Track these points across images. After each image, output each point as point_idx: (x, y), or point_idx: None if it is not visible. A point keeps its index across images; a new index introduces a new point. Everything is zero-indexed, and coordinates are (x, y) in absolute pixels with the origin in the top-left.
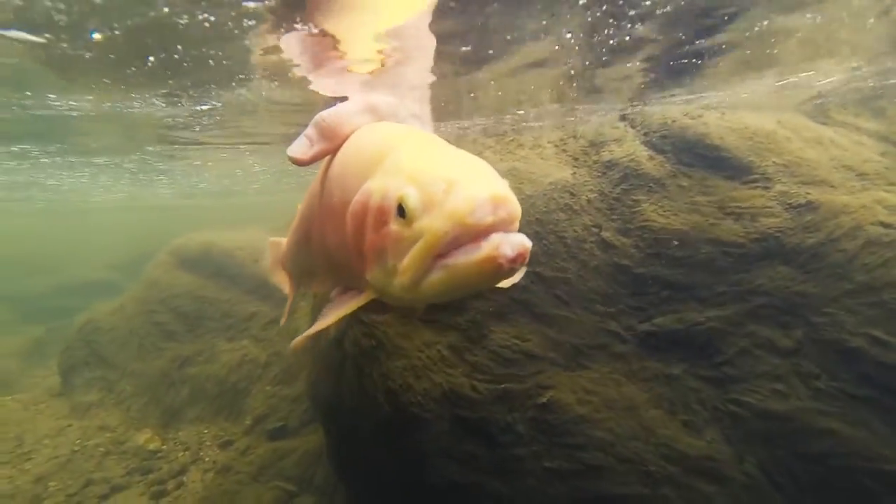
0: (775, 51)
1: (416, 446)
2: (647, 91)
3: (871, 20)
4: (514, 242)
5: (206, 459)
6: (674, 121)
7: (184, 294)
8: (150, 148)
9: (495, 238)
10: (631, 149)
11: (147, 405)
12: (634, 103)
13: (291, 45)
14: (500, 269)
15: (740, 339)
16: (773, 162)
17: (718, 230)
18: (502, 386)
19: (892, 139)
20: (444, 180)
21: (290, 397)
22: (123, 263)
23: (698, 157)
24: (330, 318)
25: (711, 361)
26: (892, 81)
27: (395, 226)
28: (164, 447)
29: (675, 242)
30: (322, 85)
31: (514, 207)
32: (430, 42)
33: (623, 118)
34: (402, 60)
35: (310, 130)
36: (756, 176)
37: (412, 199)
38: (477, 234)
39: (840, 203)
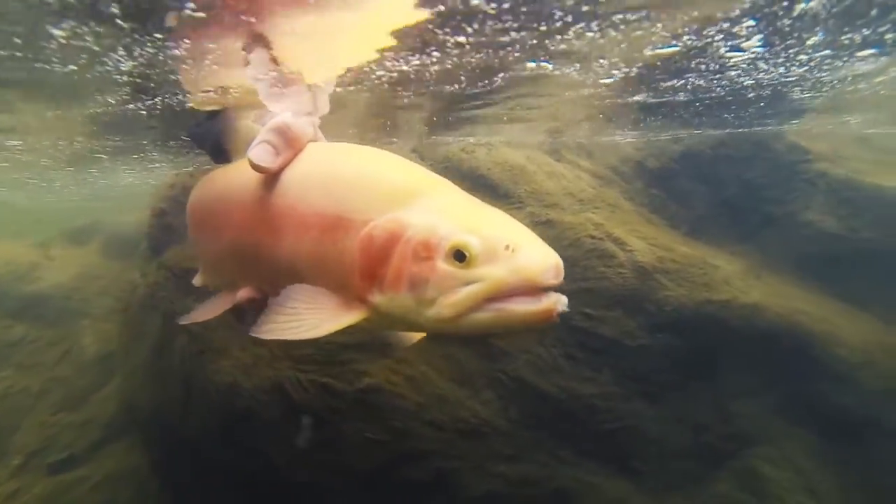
0: (518, 112)
1: (251, 438)
2: (436, 129)
3: (574, 100)
4: (564, 302)
5: None
6: (453, 155)
7: None
8: None
9: (554, 295)
10: None
11: None
12: (424, 139)
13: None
14: (547, 320)
15: None
16: (524, 189)
17: None
18: (326, 375)
19: (599, 174)
20: (506, 239)
21: (76, 423)
22: None
23: (473, 184)
24: (322, 329)
25: (486, 343)
26: (593, 138)
27: (445, 265)
28: None
29: None
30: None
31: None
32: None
33: (414, 150)
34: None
35: (273, 138)
36: (513, 199)
37: (476, 248)
38: (536, 290)
39: (567, 221)
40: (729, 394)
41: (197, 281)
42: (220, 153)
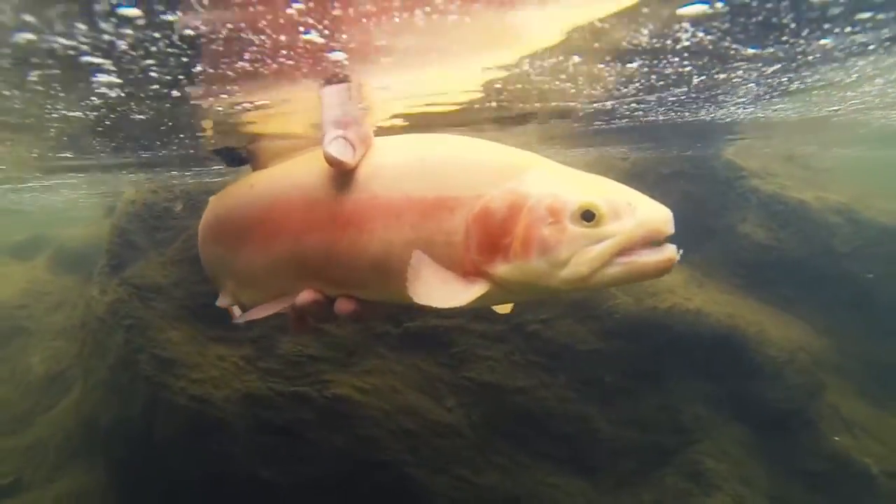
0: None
1: (219, 449)
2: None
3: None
4: (678, 251)
5: None
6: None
7: None
8: None
9: (672, 246)
10: None
11: None
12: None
13: None
14: (669, 269)
15: (466, 336)
16: None
17: None
18: (293, 386)
19: None
20: (625, 197)
21: (21, 447)
22: None
23: None
24: (464, 297)
25: (448, 352)
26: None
27: (574, 226)
28: None
29: None
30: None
31: None
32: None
33: None
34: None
35: (348, 133)
36: None
37: (603, 207)
38: (658, 241)
39: None
40: (674, 394)
41: (223, 302)
42: (235, 158)
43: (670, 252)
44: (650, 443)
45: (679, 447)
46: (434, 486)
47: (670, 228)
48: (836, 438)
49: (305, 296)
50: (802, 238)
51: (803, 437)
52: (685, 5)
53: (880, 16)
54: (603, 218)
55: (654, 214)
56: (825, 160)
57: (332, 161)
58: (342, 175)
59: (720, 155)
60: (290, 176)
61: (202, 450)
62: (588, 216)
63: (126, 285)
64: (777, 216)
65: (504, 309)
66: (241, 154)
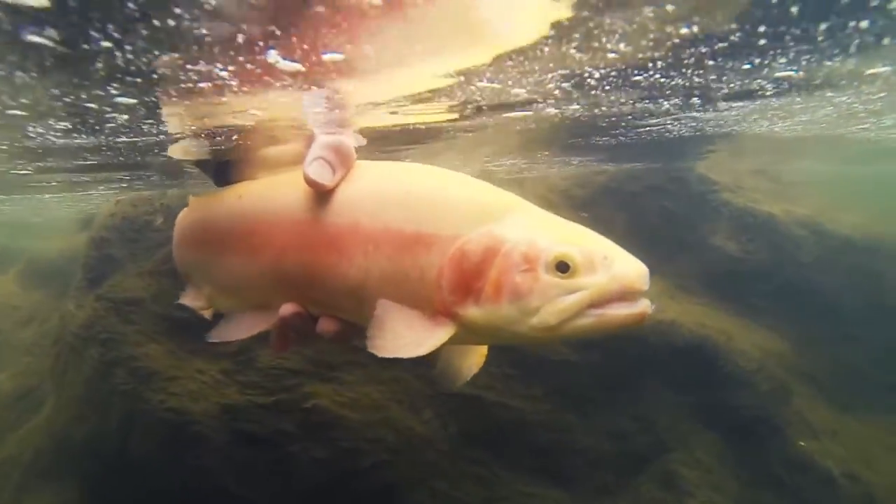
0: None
1: (198, 462)
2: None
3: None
4: (651, 306)
5: None
6: None
7: None
8: None
9: (646, 301)
10: None
11: None
12: None
13: None
14: (641, 324)
15: None
16: None
17: None
18: (273, 398)
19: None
20: (602, 250)
21: None
22: None
23: None
24: (426, 346)
25: (427, 365)
26: (531, 165)
27: (548, 275)
28: None
29: None
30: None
31: None
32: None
33: None
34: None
35: (328, 155)
36: None
37: (578, 259)
38: (632, 296)
39: None
40: (648, 404)
41: (187, 300)
42: (223, 175)
43: (643, 307)
44: (626, 452)
45: (653, 456)
46: (412, 498)
47: (645, 285)
48: (802, 443)
49: (289, 308)
50: (771, 250)
51: (771, 442)
52: None
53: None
54: (577, 269)
55: (630, 270)
56: (793, 174)
57: (310, 182)
58: (327, 197)
59: (693, 169)
60: (278, 193)
61: (180, 464)
62: (563, 267)
63: (103, 299)
64: (747, 229)
65: (473, 369)
66: (229, 166)
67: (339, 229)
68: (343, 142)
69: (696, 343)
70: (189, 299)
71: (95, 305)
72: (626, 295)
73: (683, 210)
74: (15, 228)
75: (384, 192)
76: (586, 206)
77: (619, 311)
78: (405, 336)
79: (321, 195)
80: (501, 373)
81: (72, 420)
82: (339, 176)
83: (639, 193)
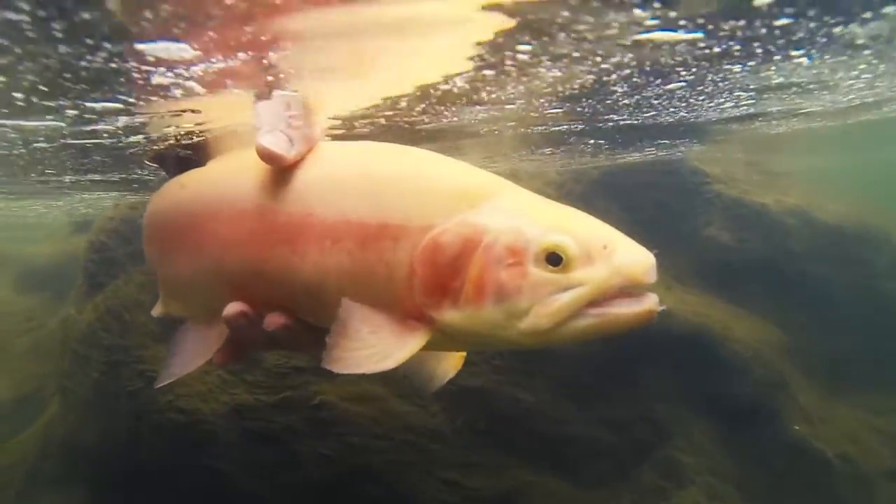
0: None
1: (210, 461)
2: None
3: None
4: (658, 300)
5: None
6: None
7: None
8: None
9: (653, 295)
10: None
11: None
12: None
13: None
14: (649, 323)
15: None
16: None
17: None
18: (280, 396)
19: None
20: (601, 238)
21: None
22: None
23: None
24: (394, 359)
25: None
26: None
27: (538, 270)
28: None
29: None
30: None
31: None
32: None
33: None
34: None
35: (286, 128)
36: None
37: (572, 249)
38: (636, 291)
39: None
40: (648, 393)
41: (157, 311)
42: (175, 162)
43: (651, 303)
44: (627, 441)
45: (655, 445)
46: (422, 491)
47: (652, 277)
48: (796, 427)
49: (233, 308)
50: (763, 239)
51: (767, 427)
52: None
53: None
54: (572, 262)
55: (634, 261)
56: (784, 165)
57: (265, 154)
58: (278, 183)
59: (686, 161)
60: (222, 178)
61: (190, 464)
62: (554, 259)
63: (106, 302)
64: (740, 219)
65: (449, 373)
66: (180, 154)
67: (290, 220)
68: (305, 115)
69: (692, 332)
70: (156, 309)
71: (98, 308)
72: (630, 289)
73: (677, 201)
74: (8, 232)
75: (342, 176)
76: (581, 200)
77: (624, 310)
78: (370, 345)
79: (271, 181)
80: (505, 365)
81: (78, 425)
82: (298, 149)
83: (633, 185)
